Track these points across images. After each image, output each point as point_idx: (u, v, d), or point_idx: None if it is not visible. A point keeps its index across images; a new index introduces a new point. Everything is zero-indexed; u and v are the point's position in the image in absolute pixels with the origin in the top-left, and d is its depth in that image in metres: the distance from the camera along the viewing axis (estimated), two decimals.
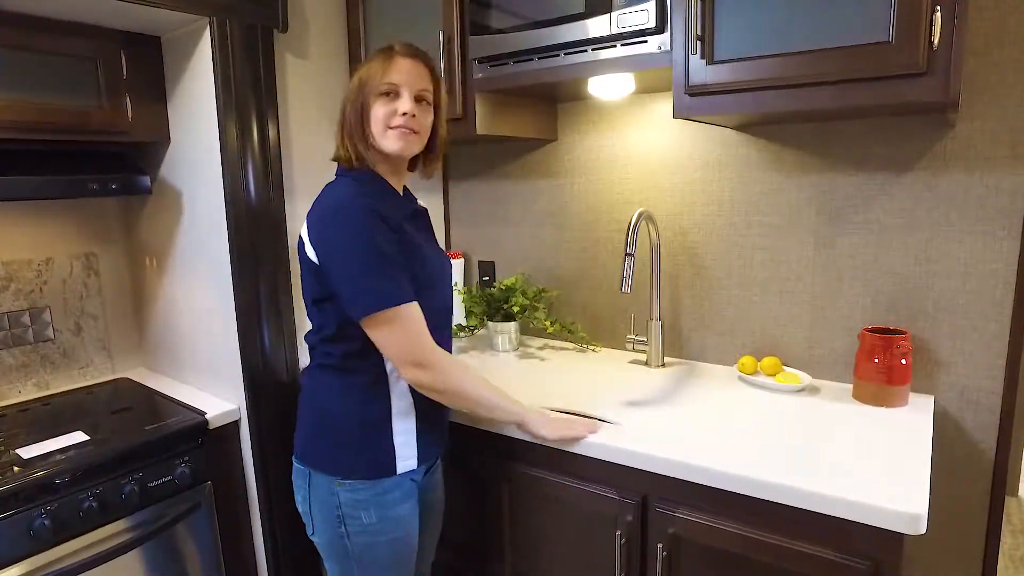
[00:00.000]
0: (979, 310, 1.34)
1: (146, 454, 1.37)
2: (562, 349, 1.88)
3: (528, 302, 1.82)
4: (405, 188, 1.27)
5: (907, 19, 1.02)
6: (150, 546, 1.38)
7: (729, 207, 1.60)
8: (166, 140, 1.60)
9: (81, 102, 1.43)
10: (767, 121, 1.48)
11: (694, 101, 1.26)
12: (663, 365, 1.68)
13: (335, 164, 1.19)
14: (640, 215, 1.48)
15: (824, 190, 1.47)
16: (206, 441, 1.48)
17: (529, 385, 1.55)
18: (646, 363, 1.70)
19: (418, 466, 1.18)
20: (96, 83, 1.45)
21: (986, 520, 1.38)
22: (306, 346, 1.22)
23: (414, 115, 1.10)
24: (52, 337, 1.70)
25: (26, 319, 1.64)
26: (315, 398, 1.18)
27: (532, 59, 1.45)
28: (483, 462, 1.39)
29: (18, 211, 1.62)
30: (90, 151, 1.58)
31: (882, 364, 1.32)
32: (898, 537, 0.94)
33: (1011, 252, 1.29)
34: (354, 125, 1.12)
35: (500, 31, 1.46)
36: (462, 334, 2.01)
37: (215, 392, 1.62)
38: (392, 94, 1.10)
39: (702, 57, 1.22)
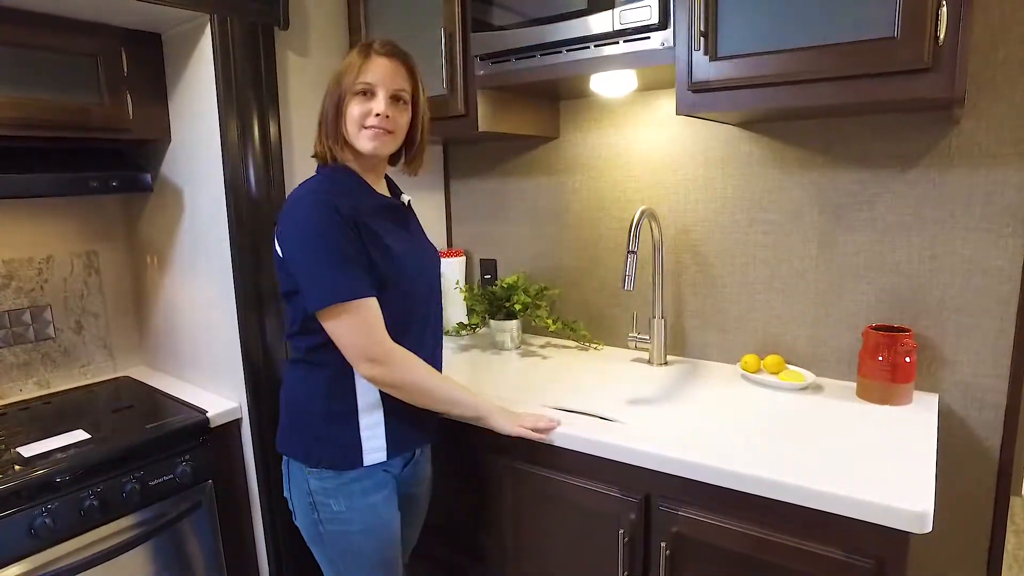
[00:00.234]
0: (984, 308, 1.33)
1: (147, 452, 1.37)
2: (564, 347, 1.88)
3: (530, 300, 1.81)
4: (392, 183, 1.28)
5: (912, 15, 1.02)
6: (151, 544, 1.38)
7: (732, 204, 1.60)
8: (167, 138, 1.60)
9: (82, 99, 1.43)
10: (770, 118, 1.47)
11: (697, 98, 1.25)
12: (665, 363, 1.68)
13: None
14: (642, 213, 1.47)
15: (827, 187, 1.46)
16: (207, 439, 1.48)
17: (531, 383, 1.54)
18: (648, 361, 1.69)
19: (389, 459, 1.17)
20: (97, 80, 1.44)
21: (991, 519, 1.37)
22: None
23: (388, 116, 1.11)
24: (53, 335, 1.69)
25: (27, 317, 1.64)
26: (287, 390, 1.21)
27: (534, 56, 1.45)
28: (485, 460, 1.38)
29: (19, 209, 1.62)
30: (90, 149, 1.57)
31: (886, 362, 1.31)
32: (903, 536, 0.94)
33: (1016, 249, 1.28)
34: (330, 123, 1.13)
35: (502, 28, 1.46)
36: (464, 332, 2.01)
37: (216, 390, 1.62)
38: (368, 93, 1.11)
39: (705, 53, 1.21)
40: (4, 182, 1.34)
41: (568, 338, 1.94)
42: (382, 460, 1.16)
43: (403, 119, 1.16)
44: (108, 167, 1.52)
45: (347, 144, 1.14)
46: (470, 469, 1.42)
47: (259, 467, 1.55)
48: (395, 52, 1.13)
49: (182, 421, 1.45)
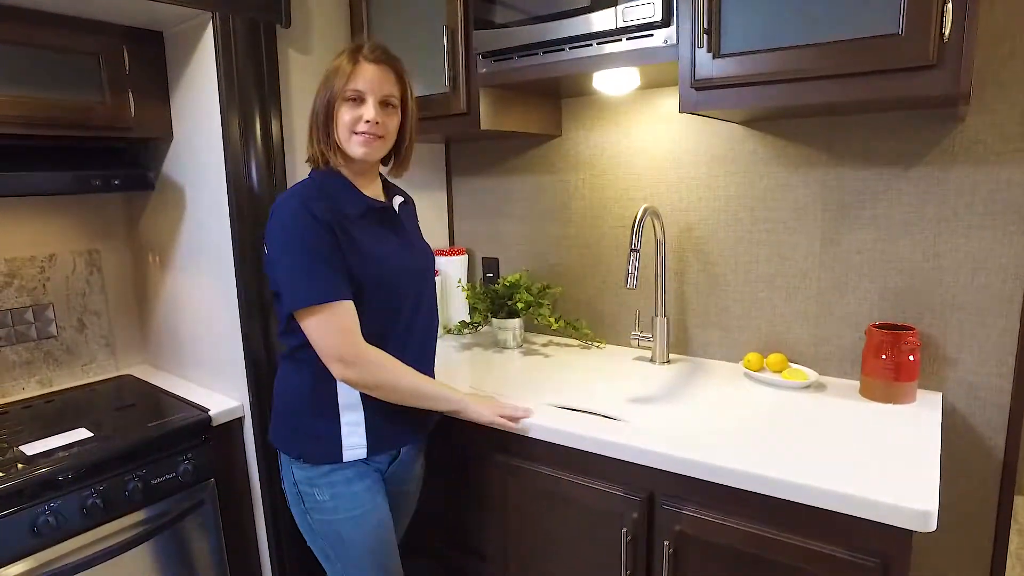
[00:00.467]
0: (988, 306, 1.32)
1: (149, 451, 1.37)
2: (566, 346, 1.87)
3: (532, 299, 1.81)
4: (389, 184, 1.30)
5: (917, 11, 1.01)
6: (154, 543, 1.38)
7: (735, 203, 1.59)
8: (169, 136, 1.60)
9: (84, 98, 1.42)
10: (773, 116, 1.46)
11: (700, 95, 1.25)
12: (668, 362, 1.68)
13: None
14: (645, 211, 1.47)
15: (831, 185, 1.46)
16: (209, 438, 1.48)
17: (534, 382, 1.54)
18: (651, 360, 1.69)
19: (370, 456, 1.19)
20: (99, 79, 1.44)
21: (994, 519, 1.37)
22: None
23: (378, 122, 1.14)
24: (55, 334, 1.69)
25: (29, 316, 1.64)
26: (278, 384, 1.25)
27: (536, 53, 1.44)
28: (487, 459, 1.38)
29: (21, 207, 1.62)
30: (92, 147, 1.58)
31: (890, 360, 1.31)
32: (907, 534, 0.93)
33: (1020, 247, 1.28)
34: (321, 126, 1.15)
35: (504, 25, 1.45)
36: (466, 331, 2.01)
37: (218, 389, 1.62)
38: (358, 99, 1.13)
39: (708, 51, 1.21)
40: (6, 180, 1.34)
41: (570, 337, 1.94)
42: (361, 457, 1.18)
43: (392, 123, 1.18)
44: (110, 165, 1.53)
45: (338, 148, 1.16)
46: (472, 468, 1.42)
47: (261, 465, 1.55)
48: (384, 58, 1.15)
49: (184, 420, 1.45)
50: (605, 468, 1.21)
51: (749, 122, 1.55)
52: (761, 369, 1.51)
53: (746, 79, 1.18)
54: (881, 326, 1.37)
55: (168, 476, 1.39)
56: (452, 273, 2.03)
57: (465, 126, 1.60)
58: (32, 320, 1.65)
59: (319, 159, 1.18)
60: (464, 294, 1.97)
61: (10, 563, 1.16)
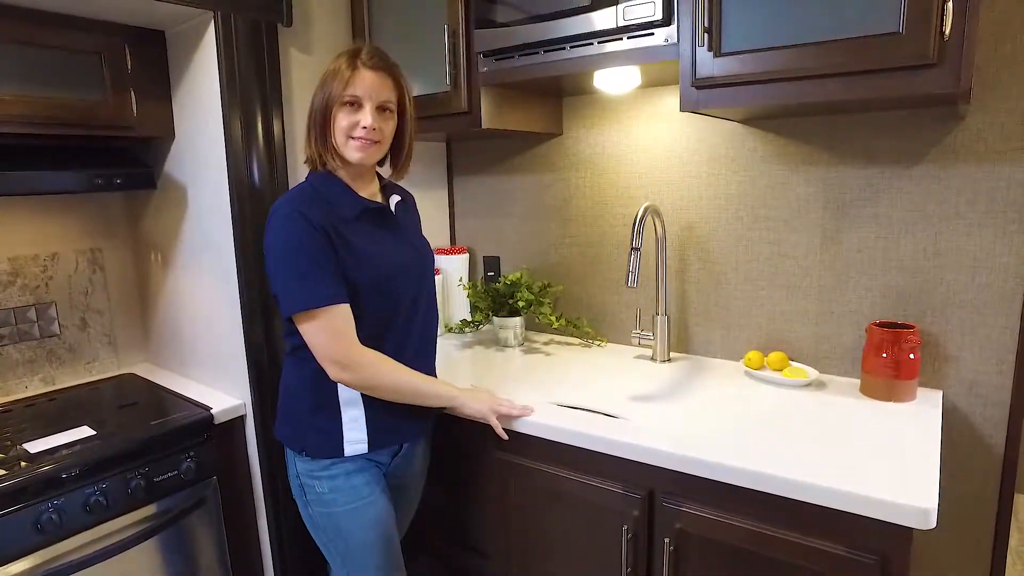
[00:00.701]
0: (989, 304, 1.33)
1: (152, 449, 1.37)
2: (568, 344, 1.88)
3: (533, 297, 1.81)
4: (388, 183, 1.31)
5: (918, 9, 1.01)
6: (157, 540, 1.39)
7: (736, 201, 1.60)
8: (170, 135, 1.60)
9: (86, 97, 1.43)
10: (774, 114, 1.47)
11: (701, 94, 1.25)
12: (669, 360, 1.68)
13: None
14: (646, 209, 1.47)
15: (832, 184, 1.46)
16: (211, 436, 1.48)
17: (535, 380, 1.55)
18: (652, 358, 1.69)
19: (371, 450, 1.21)
20: (101, 78, 1.45)
21: (995, 516, 1.37)
22: None
23: (375, 128, 1.15)
24: (58, 332, 1.70)
25: (32, 314, 1.65)
26: (283, 379, 1.28)
27: (538, 52, 1.45)
28: (489, 457, 1.38)
29: (23, 207, 1.62)
30: (94, 147, 1.58)
31: (890, 359, 1.31)
32: (907, 532, 0.94)
33: (1021, 245, 1.28)
34: (318, 129, 1.17)
35: (505, 25, 1.46)
36: (467, 329, 2.01)
37: (220, 387, 1.62)
38: (355, 104, 1.15)
39: (709, 49, 1.21)
40: (9, 180, 1.34)
41: (572, 335, 1.94)
42: (363, 452, 1.20)
43: (389, 128, 1.20)
44: (112, 164, 1.53)
45: (335, 151, 1.17)
46: (473, 466, 1.43)
47: (263, 463, 1.56)
48: (381, 64, 1.17)
49: (186, 418, 1.45)
50: (606, 466, 1.21)
51: (750, 121, 1.55)
52: (762, 367, 1.52)
53: (746, 78, 1.18)
54: (882, 324, 1.37)
55: (171, 474, 1.40)
56: (453, 271, 2.03)
57: (466, 125, 1.60)
58: (35, 319, 1.65)
59: (317, 161, 1.19)
60: (465, 292, 1.98)
61: (14, 560, 1.17)
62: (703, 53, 1.21)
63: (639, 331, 1.74)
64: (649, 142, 1.72)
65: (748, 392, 1.41)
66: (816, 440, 1.14)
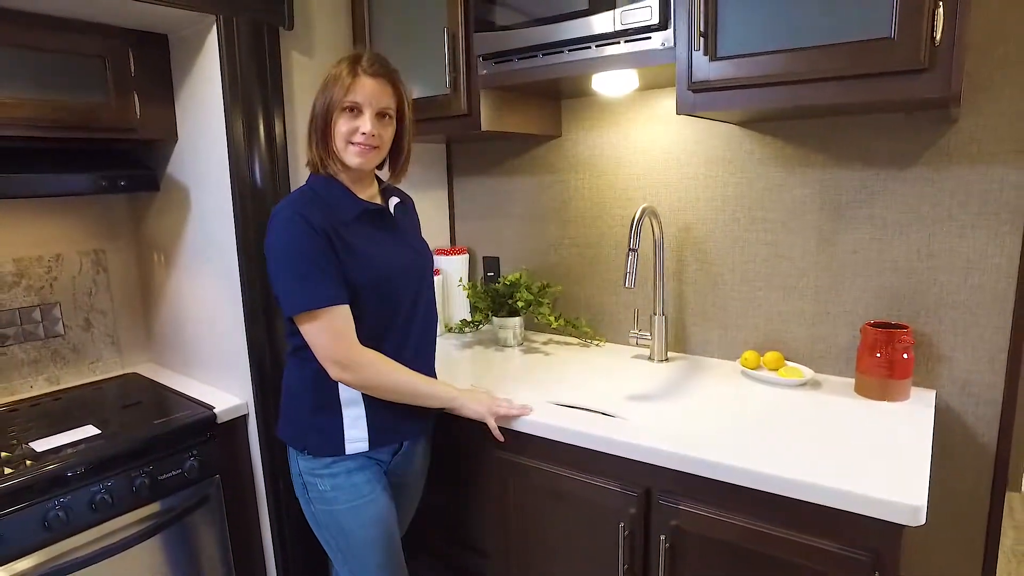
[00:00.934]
0: (981, 304, 1.34)
1: (156, 448, 1.39)
2: (566, 344, 1.89)
3: (532, 297, 1.83)
4: (389, 187, 1.33)
5: (909, 15, 1.03)
6: (161, 537, 1.40)
7: (732, 203, 1.61)
8: (173, 137, 1.62)
9: (89, 100, 1.44)
10: (770, 117, 1.48)
11: (697, 97, 1.26)
12: (666, 360, 1.70)
13: None
14: (643, 211, 1.49)
15: (827, 186, 1.48)
16: (215, 435, 1.50)
17: (534, 380, 1.56)
18: (650, 358, 1.71)
19: (372, 449, 1.23)
20: (104, 81, 1.46)
21: (987, 514, 1.38)
22: None
23: (375, 134, 1.17)
24: (62, 332, 1.72)
25: (37, 315, 1.66)
26: (285, 379, 1.30)
27: (536, 56, 1.46)
28: (487, 456, 1.40)
29: (27, 208, 1.64)
30: (98, 149, 1.59)
31: (884, 358, 1.32)
32: (897, 528, 0.95)
33: (1013, 247, 1.30)
34: (319, 133, 1.19)
35: (504, 28, 1.47)
36: (467, 329, 2.03)
37: (223, 387, 1.64)
38: (355, 110, 1.17)
39: (705, 53, 1.22)
40: (13, 182, 1.36)
41: (570, 335, 1.96)
42: (363, 450, 1.22)
43: (388, 133, 1.22)
44: (116, 166, 1.54)
45: (335, 155, 1.19)
46: (473, 465, 1.44)
47: (265, 462, 1.58)
48: (381, 71, 1.18)
49: (190, 417, 1.47)
50: (603, 464, 1.23)
51: (746, 123, 1.56)
52: (758, 367, 1.53)
53: (742, 81, 1.20)
54: (876, 324, 1.39)
55: (174, 472, 1.41)
56: (453, 272, 2.05)
57: (466, 127, 1.62)
58: (40, 319, 1.67)
59: (318, 164, 1.21)
60: (465, 293, 1.99)
61: (21, 557, 1.19)
62: (699, 57, 1.23)
63: (637, 331, 1.76)
64: (647, 144, 1.73)
65: (744, 392, 1.43)
66: (811, 439, 1.16)
